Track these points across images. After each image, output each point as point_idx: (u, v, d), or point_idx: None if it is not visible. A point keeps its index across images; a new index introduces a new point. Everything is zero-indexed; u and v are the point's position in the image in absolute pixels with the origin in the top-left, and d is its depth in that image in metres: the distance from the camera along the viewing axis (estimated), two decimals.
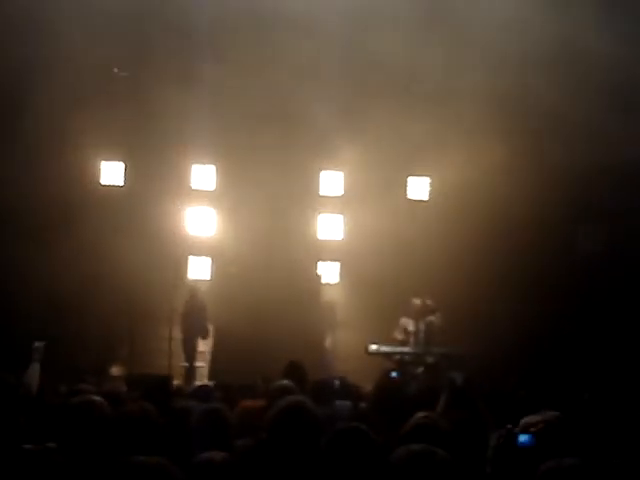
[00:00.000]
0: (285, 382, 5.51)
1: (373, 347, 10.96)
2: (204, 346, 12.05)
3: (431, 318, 11.31)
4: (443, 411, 4.98)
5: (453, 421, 4.21)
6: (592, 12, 10.72)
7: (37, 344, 6.46)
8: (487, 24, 10.99)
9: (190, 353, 11.91)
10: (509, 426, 3.82)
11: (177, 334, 11.95)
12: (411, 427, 3.82)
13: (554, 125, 11.65)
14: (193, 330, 11.93)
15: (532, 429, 3.85)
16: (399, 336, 11.30)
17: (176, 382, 9.25)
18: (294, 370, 6.21)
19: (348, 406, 5.47)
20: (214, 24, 11.71)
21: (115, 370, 11.21)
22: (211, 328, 11.90)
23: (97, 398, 4.17)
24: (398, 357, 10.92)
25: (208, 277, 12.94)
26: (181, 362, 11.89)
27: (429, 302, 11.37)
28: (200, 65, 11.68)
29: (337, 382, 6.11)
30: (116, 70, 12.10)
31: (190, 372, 11.74)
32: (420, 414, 3.89)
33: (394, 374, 6.43)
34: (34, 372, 6.18)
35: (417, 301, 11.36)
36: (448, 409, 5.01)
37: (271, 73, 11.72)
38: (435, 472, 2.91)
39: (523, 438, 3.74)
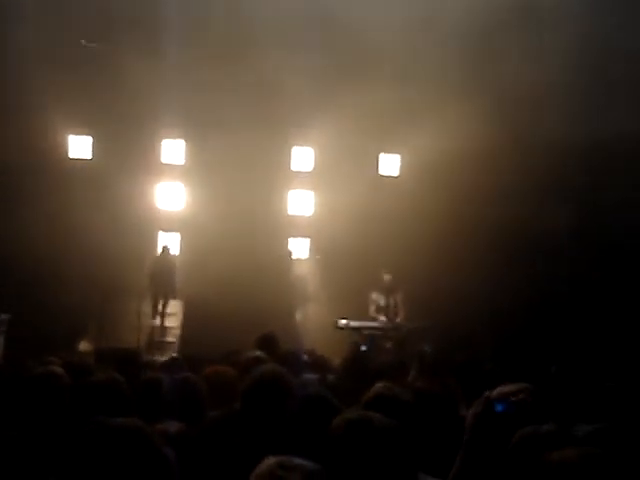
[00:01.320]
0: (258, 353, 5.51)
1: (342, 322, 10.99)
2: (174, 320, 12.06)
3: (401, 293, 11.37)
4: (412, 382, 5.01)
5: (421, 392, 4.23)
6: None
7: (2, 316, 6.40)
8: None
9: (160, 311, 11.99)
10: (487, 394, 3.84)
11: (146, 307, 11.96)
12: (370, 398, 3.83)
13: (527, 103, 11.68)
14: (162, 288, 11.93)
15: (512, 398, 3.87)
16: (372, 311, 11.33)
17: (146, 357, 9.24)
18: (267, 342, 6.20)
19: (316, 379, 5.48)
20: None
21: (84, 344, 11.16)
22: (181, 303, 11.89)
23: (57, 369, 4.11)
24: (367, 332, 10.95)
25: (177, 251, 12.91)
26: (149, 321, 11.92)
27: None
28: (169, 39, 11.58)
29: (305, 355, 6.12)
30: (84, 42, 11.96)
31: (162, 331, 11.81)
32: (380, 384, 3.89)
33: (363, 347, 6.46)
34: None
35: (387, 276, 11.39)
36: (417, 381, 5.04)
37: (242, 48, 11.64)
38: (372, 438, 2.91)
39: (501, 406, 3.77)
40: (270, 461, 2.45)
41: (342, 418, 2.99)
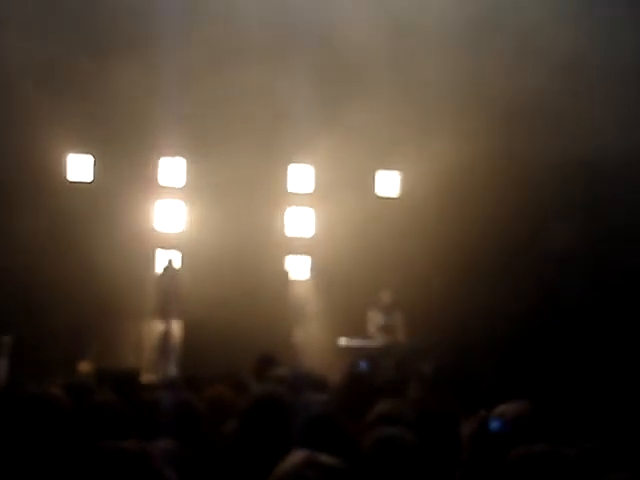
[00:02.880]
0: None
1: (342, 341, 10.98)
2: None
3: (400, 311, 11.37)
4: (412, 401, 5.01)
5: (421, 410, 4.24)
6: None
7: (4, 338, 6.40)
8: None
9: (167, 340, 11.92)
10: (483, 413, 3.86)
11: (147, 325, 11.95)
12: (375, 417, 3.83)
13: (528, 120, 11.71)
14: (169, 306, 11.86)
15: (505, 416, 3.89)
16: (371, 330, 11.32)
17: (146, 376, 9.24)
18: (265, 362, 6.20)
19: (316, 398, 5.47)
20: (181, 12, 11.61)
21: (85, 365, 11.14)
22: (180, 322, 11.87)
23: (56, 390, 4.10)
24: (367, 350, 10.94)
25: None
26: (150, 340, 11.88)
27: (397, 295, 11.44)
28: (167, 54, 11.58)
29: (305, 374, 6.11)
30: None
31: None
32: (384, 403, 3.90)
33: (362, 365, 6.45)
34: (2, 366, 6.12)
35: (387, 294, 11.39)
36: (417, 399, 5.03)
37: (241, 64, 11.64)
38: (404, 456, 2.93)
39: (497, 425, 3.78)
40: (296, 458, 2.46)
41: (373, 436, 3.00)
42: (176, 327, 12.03)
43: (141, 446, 2.54)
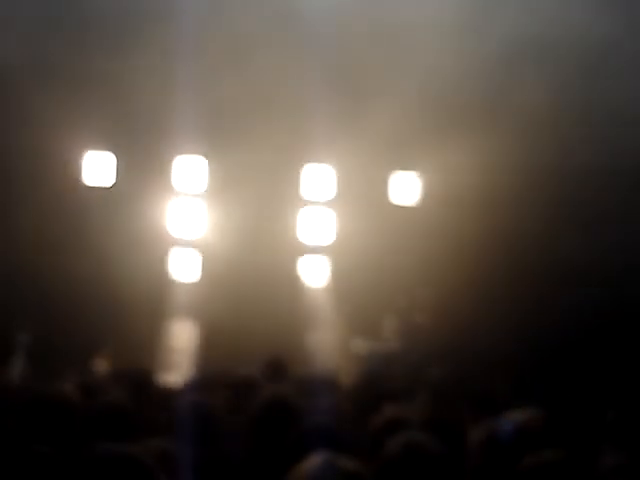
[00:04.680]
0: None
1: (357, 345, 10.99)
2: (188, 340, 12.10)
3: (415, 317, 11.35)
4: (422, 407, 5.01)
5: (431, 417, 4.25)
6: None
7: (22, 336, 6.42)
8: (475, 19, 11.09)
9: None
10: (492, 421, 3.85)
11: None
12: (381, 421, 3.84)
13: (545, 124, 11.67)
14: None
15: (515, 424, 3.89)
16: (386, 335, 11.32)
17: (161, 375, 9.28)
18: (274, 365, 6.23)
19: (327, 402, 5.49)
20: (200, 9, 11.63)
21: (101, 363, 11.20)
22: (195, 323, 11.92)
23: (68, 389, 4.13)
24: (379, 355, 10.94)
25: (194, 275, 12.91)
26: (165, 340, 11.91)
27: (415, 300, 11.42)
28: (185, 52, 11.61)
29: (317, 378, 6.13)
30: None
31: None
32: (390, 408, 3.91)
33: (375, 370, 6.46)
34: (19, 365, 6.15)
35: (403, 300, 11.38)
36: (427, 405, 5.04)
37: (260, 62, 11.64)
38: (427, 463, 2.93)
39: (507, 434, 3.78)
40: (315, 460, 2.47)
41: (397, 441, 3.00)
42: (191, 328, 12.10)
43: (137, 451, 2.55)
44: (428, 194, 12.96)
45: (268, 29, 11.54)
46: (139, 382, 6.21)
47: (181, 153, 12.81)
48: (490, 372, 9.06)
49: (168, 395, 5.79)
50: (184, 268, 12.80)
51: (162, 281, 12.46)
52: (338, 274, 12.68)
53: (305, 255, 12.95)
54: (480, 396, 5.43)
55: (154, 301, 12.03)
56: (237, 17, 11.71)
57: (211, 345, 11.18)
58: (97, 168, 12.70)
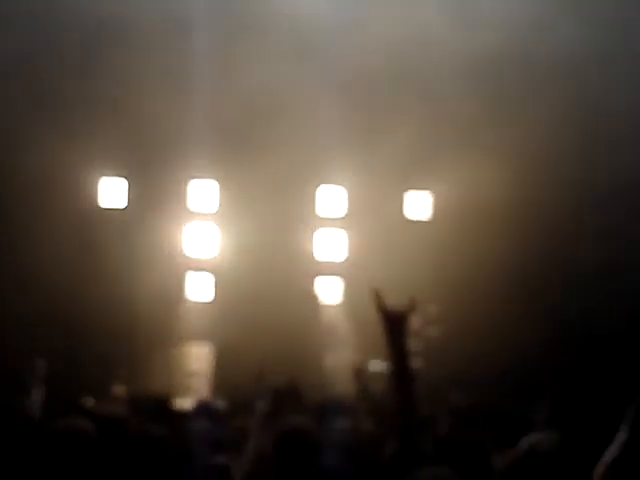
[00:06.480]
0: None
1: (373, 365, 10.91)
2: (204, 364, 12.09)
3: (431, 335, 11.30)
4: (444, 433, 4.98)
5: (448, 441, 4.21)
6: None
7: (39, 362, 6.37)
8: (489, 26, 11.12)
9: None
10: (515, 447, 3.83)
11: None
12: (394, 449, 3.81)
13: (564, 140, 11.65)
14: None
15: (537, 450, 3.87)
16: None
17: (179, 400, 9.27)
18: (288, 393, 6.21)
19: (347, 427, 5.46)
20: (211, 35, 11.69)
21: (117, 389, 11.20)
22: (211, 346, 11.91)
23: (84, 423, 4.05)
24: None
25: (209, 296, 12.91)
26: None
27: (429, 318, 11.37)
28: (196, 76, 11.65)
29: (336, 403, 6.10)
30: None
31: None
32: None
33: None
34: (38, 396, 6.10)
35: (418, 319, 11.31)
36: (450, 431, 5.00)
37: (272, 84, 11.67)
38: None
39: (529, 460, 3.76)
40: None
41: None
42: (207, 351, 12.09)
43: None
44: (440, 210, 12.94)
45: (279, 50, 11.57)
46: (157, 408, 6.20)
47: (194, 176, 12.87)
48: (507, 390, 9.02)
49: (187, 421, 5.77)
50: (198, 290, 12.83)
51: (176, 303, 12.46)
52: (353, 294, 12.65)
53: (319, 275, 12.95)
54: (500, 419, 5.40)
55: (169, 324, 12.04)
56: (249, 41, 11.76)
57: (228, 368, 11.15)
58: (111, 192, 12.75)
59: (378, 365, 11.00)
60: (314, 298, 12.47)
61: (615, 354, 11.13)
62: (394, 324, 3.68)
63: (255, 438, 4.16)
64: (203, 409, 6.81)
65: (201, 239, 12.92)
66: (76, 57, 11.55)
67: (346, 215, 13.11)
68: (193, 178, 12.88)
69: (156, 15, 11.58)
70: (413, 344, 11.37)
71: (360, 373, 7.80)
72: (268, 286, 11.96)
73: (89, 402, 7.62)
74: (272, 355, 10.64)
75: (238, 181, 12.73)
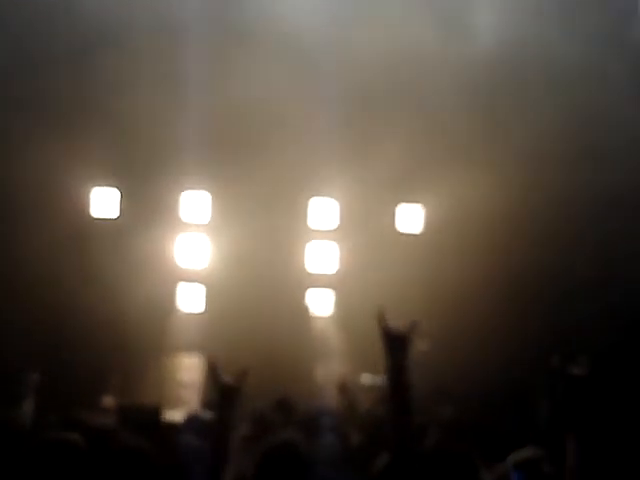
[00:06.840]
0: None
1: (365, 379, 10.93)
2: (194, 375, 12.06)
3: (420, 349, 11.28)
4: (433, 446, 4.98)
5: (439, 455, 4.22)
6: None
7: (32, 375, 6.37)
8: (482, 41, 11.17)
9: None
10: (504, 463, 3.85)
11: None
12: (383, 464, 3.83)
13: (555, 150, 11.67)
14: None
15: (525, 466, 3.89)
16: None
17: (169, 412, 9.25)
18: (283, 404, 6.22)
19: (336, 440, 5.47)
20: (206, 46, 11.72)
21: (107, 400, 11.19)
22: (202, 357, 11.89)
23: (73, 436, 4.06)
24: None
25: (201, 307, 12.91)
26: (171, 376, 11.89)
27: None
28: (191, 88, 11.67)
29: (326, 417, 6.11)
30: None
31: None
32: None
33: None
34: (30, 407, 6.10)
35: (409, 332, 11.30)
36: (437, 444, 5.01)
37: (266, 97, 11.69)
38: None
39: (518, 475, 3.79)
40: None
41: None
42: (198, 362, 12.08)
43: None
44: (432, 224, 12.96)
45: (273, 63, 11.61)
46: (147, 419, 6.19)
47: (187, 187, 12.89)
48: (498, 405, 9.02)
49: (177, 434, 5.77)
50: (190, 301, 12.84)
51: (168, 314, 12.46)
52: (345, 306, 12.67)
53: (311, 287, 12.96)
54: (489, 434, 5.41)
55: (160, 334, 12.03)
56: (235, 52, 11.79)
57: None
58: (104, 202, 12.75)
59: (369, 379, 11.02)
60: (305, 310, 12.48)
61: (609, 369, 11.13)
62: (395, 344, 3.73)
63: (234, 461, 4.16)
64: (192, 422, 6.82)
65: (193, 250, 12.93)
66: (69, 68, 11.55)
67: (338, 227, 13.14)
68: (185, 189, 12.91)
69: (151, 26, 11.62)
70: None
71: (345, 388, 7.78)
72: (259, 298, 11.97)
73: (80, 413, 7.60)
74: (263, 367, 10.67)
75: (230, 192, 12.74)
